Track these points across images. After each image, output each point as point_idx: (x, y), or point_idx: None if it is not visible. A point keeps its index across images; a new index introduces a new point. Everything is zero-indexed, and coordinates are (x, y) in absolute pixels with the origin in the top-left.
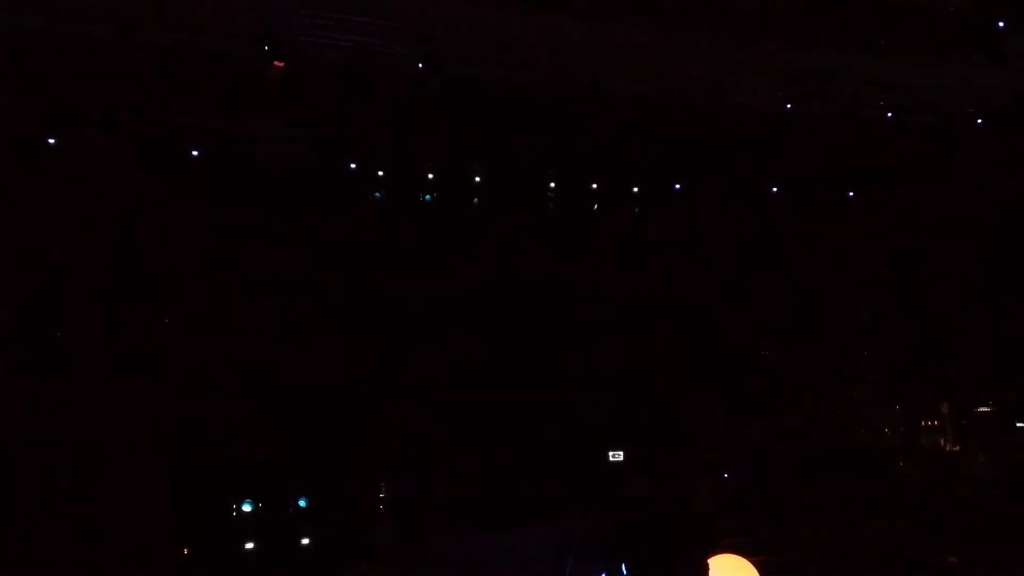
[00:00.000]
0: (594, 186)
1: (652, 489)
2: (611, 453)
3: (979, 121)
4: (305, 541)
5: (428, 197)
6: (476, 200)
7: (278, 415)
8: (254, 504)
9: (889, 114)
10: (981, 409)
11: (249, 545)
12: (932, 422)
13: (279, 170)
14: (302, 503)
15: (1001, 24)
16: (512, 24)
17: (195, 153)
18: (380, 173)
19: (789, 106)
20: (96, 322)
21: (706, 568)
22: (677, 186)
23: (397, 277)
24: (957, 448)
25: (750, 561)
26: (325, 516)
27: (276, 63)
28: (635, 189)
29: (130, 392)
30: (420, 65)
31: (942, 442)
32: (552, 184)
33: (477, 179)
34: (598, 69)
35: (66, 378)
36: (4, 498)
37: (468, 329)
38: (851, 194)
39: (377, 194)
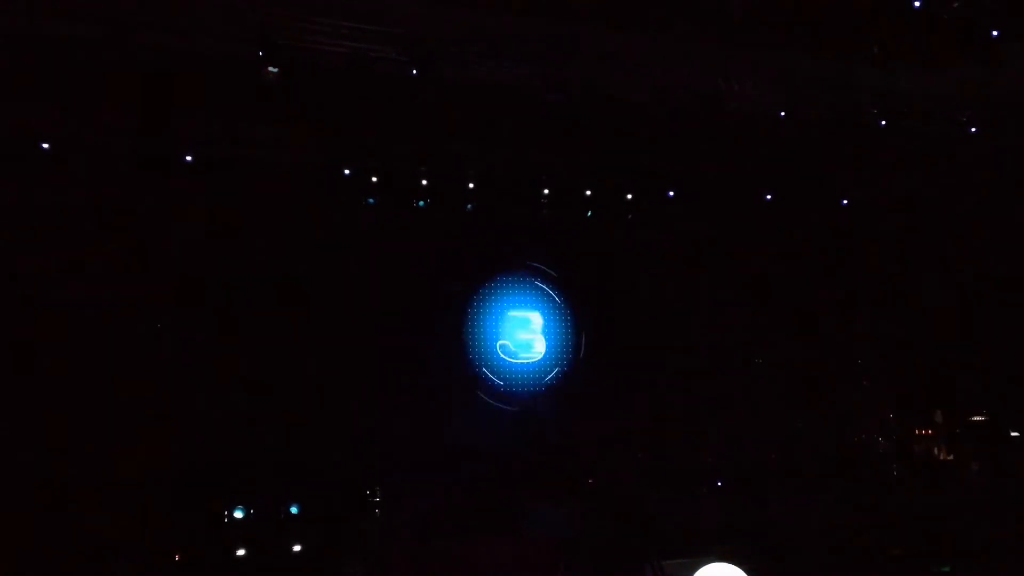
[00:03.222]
0: (588, 192)
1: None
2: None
3: (972, 129)
4: (297, 548)
5: (421, 203)
6: (469, 206)
7: (271, 421)
8: (246, 510)
9: (883, 121)
10: (975, 418)
11: (241, 552)
12: (926, 431)
13: (274, 175)
14: (294, 510)
15: (995, 32)
16: (506, 29)
17: (189, 158)
18: (373, 179)
19: (784, 113)
20: (90, 326)
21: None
22: (671, 193)
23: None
24: (951, 457)
25: (742, 569)
26: (317, 523)
27: (269, 68)
28: (629, 196)
29: (124, 397)
30: (414, 71)
31: (936, 451)
32: (546, 191)
33: (471, 185)
34: (593, 73)
35: (60, 383)
36: None
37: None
38: (844, 201)
39: (370, 200)
